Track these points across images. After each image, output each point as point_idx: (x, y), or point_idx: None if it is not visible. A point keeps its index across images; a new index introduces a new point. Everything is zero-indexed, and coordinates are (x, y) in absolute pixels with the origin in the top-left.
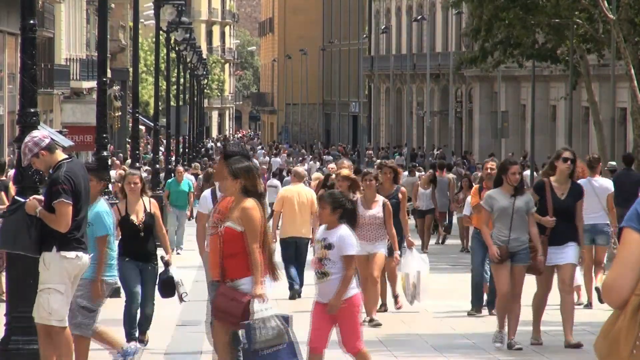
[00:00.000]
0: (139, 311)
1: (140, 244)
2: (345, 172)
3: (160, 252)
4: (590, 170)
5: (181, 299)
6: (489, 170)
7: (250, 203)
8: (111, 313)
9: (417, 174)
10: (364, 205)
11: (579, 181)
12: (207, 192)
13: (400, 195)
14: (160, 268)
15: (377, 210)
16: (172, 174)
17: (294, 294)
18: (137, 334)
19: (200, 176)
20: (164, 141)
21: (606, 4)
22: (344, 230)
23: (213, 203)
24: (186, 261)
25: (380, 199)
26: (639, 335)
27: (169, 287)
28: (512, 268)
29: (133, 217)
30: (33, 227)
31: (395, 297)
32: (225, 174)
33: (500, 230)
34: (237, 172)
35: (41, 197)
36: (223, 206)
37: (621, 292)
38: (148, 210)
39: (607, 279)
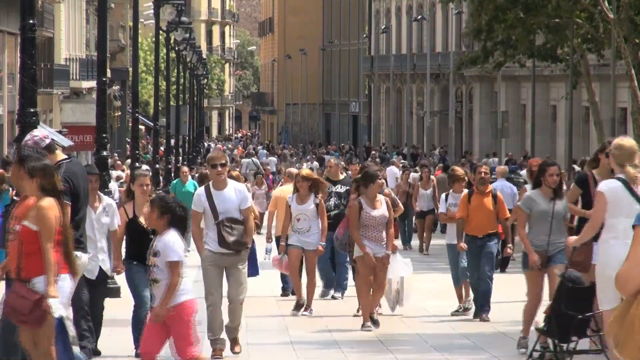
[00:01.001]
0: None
1: (148, 247)
2: (305, 171)
3: None
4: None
5: None
6: (482, 175)
7: (46, 202)
8: (112, 314)
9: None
10: (369, 205)
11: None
12: (200, 190)
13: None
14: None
15: (384, 209)
16: (172, 175)
17: (288, 293)
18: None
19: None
20: (164, 141)
21: (606, 4)
22: (169, 236)
23: (207, 201)
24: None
25: (381, 198)
26: None
27: None
28: (550, 270)
29: (141, 219)
30: None
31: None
32: (21, 174)
33: (536, 235)
34: (32, 170)
35: None
36: (19, 212)
37: (634, 282)
38: None
39: (621, 271)
